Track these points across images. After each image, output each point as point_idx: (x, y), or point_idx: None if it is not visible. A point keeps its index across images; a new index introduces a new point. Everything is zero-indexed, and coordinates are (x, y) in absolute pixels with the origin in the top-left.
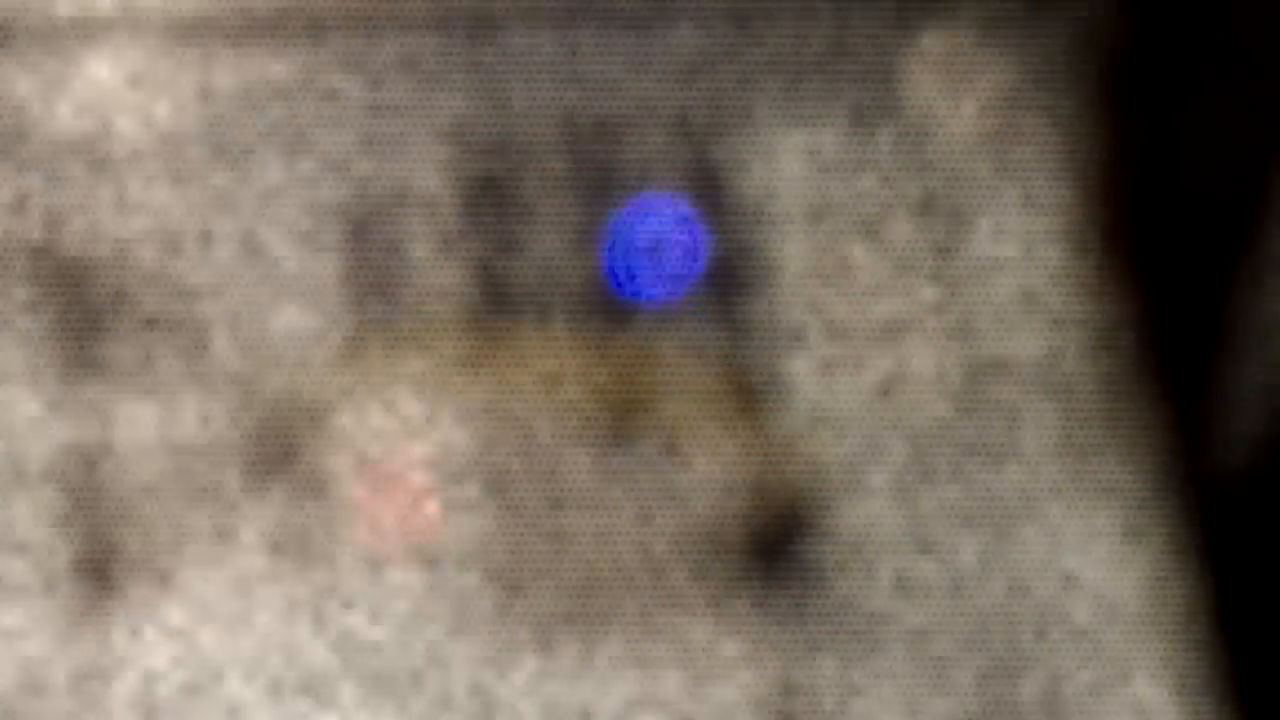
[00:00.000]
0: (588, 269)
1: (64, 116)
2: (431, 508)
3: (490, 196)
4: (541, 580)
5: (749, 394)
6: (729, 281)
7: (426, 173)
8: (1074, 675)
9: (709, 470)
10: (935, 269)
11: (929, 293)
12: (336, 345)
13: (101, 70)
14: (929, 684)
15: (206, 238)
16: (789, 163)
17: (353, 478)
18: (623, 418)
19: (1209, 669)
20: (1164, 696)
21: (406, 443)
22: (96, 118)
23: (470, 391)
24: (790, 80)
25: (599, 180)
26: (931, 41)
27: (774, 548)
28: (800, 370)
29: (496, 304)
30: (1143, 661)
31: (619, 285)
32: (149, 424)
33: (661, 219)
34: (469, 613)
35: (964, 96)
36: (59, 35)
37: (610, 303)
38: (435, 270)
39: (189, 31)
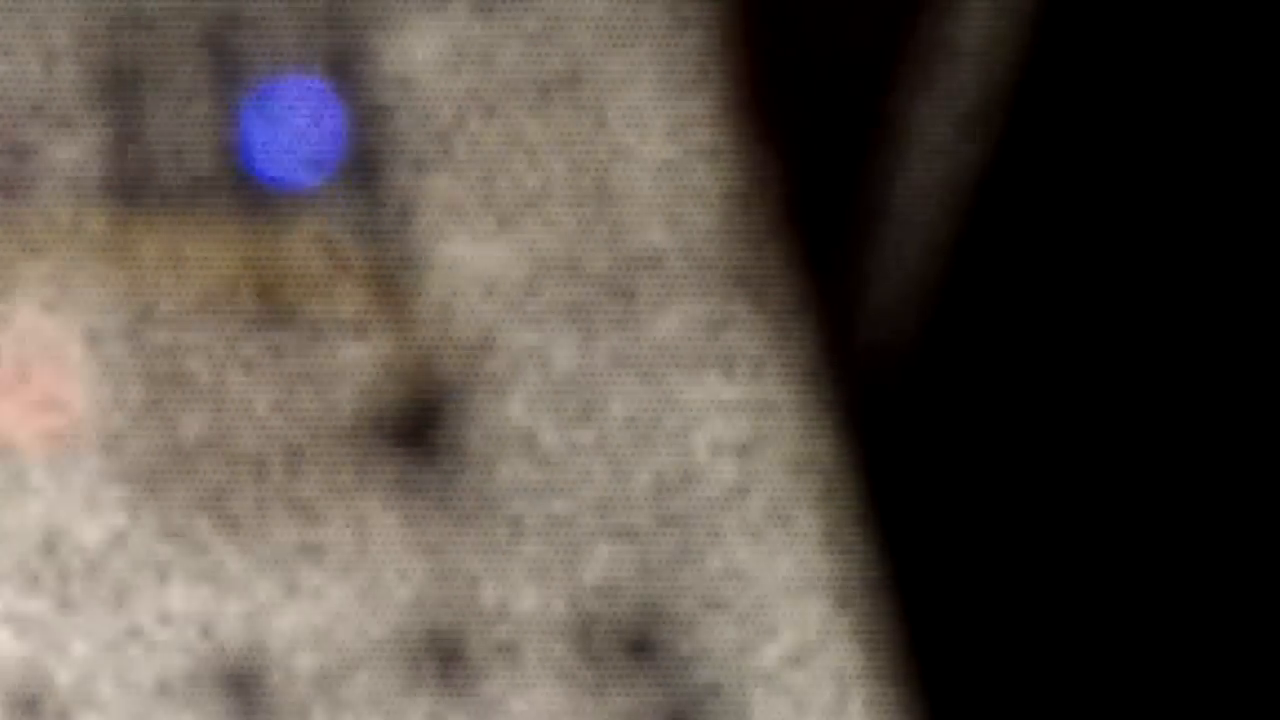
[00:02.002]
0: (227, 154)
1: None
2: (67, 401)
3: (125, 83)
4: (185, 472)
5: (390, 276)
6: (368, 164)
7: (58, 58)
8: (721, 544)
9: (352, 354)
10: (574, 148)
11: (568, 171)
12: None
13: None
14: (572, 559)
15: None
16: (426, 46)
17: None
18: (264, 303)
19: (856, 532)
20: (813, 561)
21: (42, 336)
22: None
23: (107, 281)
24: None
25: (236, 65)
26: None
27: (419, 428)
28: (442, 251)
29: (135, 192)
30: (792, 527)
31: (258, 170)
32: None
33: (299, 103)
34: (105, 508)
35: None
36: None
37: (250, 188)
38: (69, 159)
39: None
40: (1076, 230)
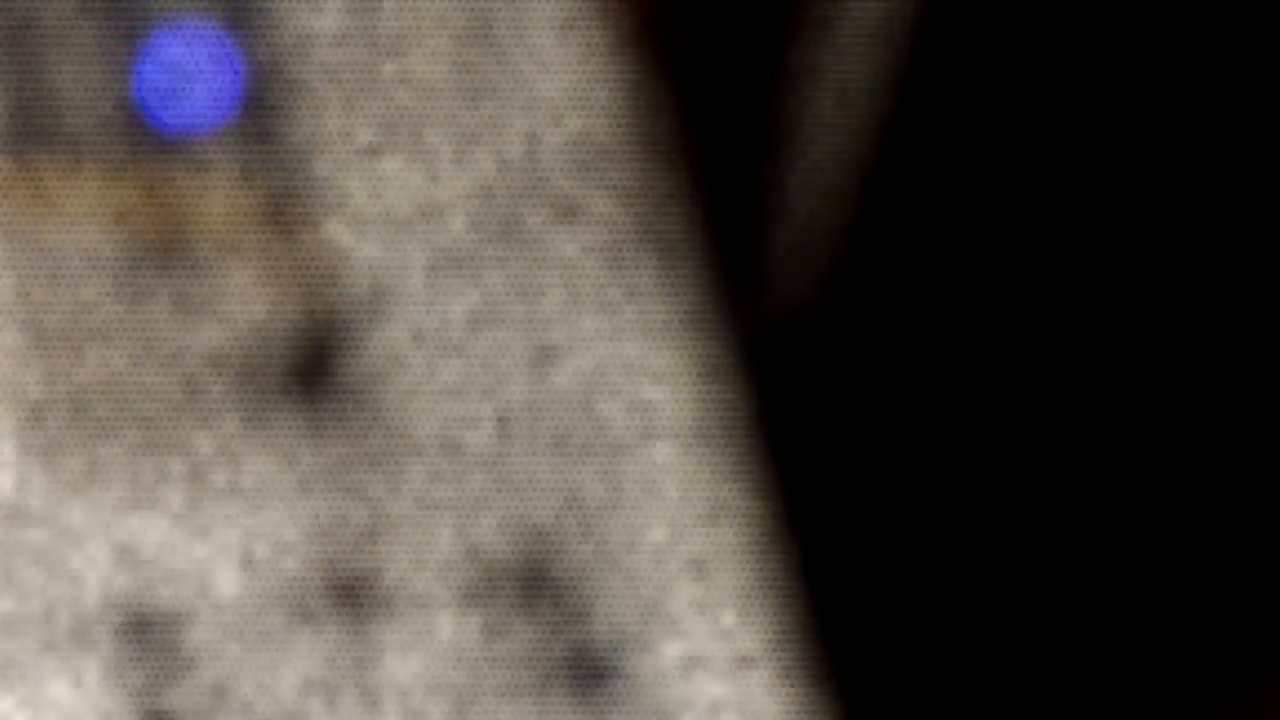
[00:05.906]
0: (121, 98)
1: None
2: None
3: (17, 27)
4: (81, 411)
5: (286, 214)
6: (264, 103)
7: None
8: (619, 482)
9: (250, 292)
10: (467, 85)
11: (461, 108)
12: None
13: None
14: (469, 496)
15: None
16: None
17: None
18: (162, 246)
19: (757, 475)
20: (714, 501)
21: None
22: None
23: (5, 229)
24: None
25: (133, 10)
26: None
27: (315, 364)
28: (338, 188)
29: (29, 138)
30: (690, 468)
31: (153, 113)
32: None
33: (196, 47)
34: (5, 448)
35: None
36: None
37: (145, 131)
38: None
39: None
40: (989, 175)
